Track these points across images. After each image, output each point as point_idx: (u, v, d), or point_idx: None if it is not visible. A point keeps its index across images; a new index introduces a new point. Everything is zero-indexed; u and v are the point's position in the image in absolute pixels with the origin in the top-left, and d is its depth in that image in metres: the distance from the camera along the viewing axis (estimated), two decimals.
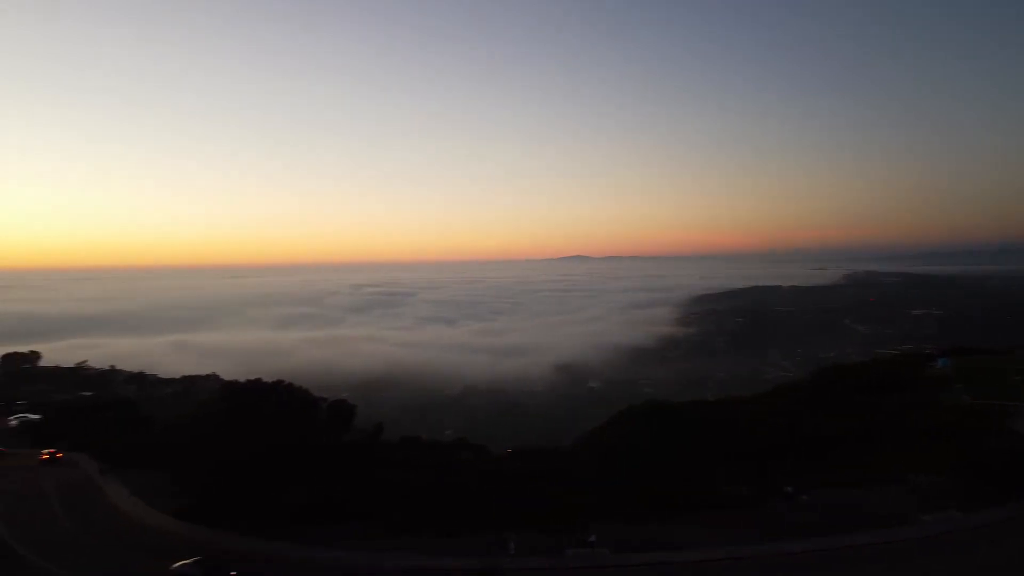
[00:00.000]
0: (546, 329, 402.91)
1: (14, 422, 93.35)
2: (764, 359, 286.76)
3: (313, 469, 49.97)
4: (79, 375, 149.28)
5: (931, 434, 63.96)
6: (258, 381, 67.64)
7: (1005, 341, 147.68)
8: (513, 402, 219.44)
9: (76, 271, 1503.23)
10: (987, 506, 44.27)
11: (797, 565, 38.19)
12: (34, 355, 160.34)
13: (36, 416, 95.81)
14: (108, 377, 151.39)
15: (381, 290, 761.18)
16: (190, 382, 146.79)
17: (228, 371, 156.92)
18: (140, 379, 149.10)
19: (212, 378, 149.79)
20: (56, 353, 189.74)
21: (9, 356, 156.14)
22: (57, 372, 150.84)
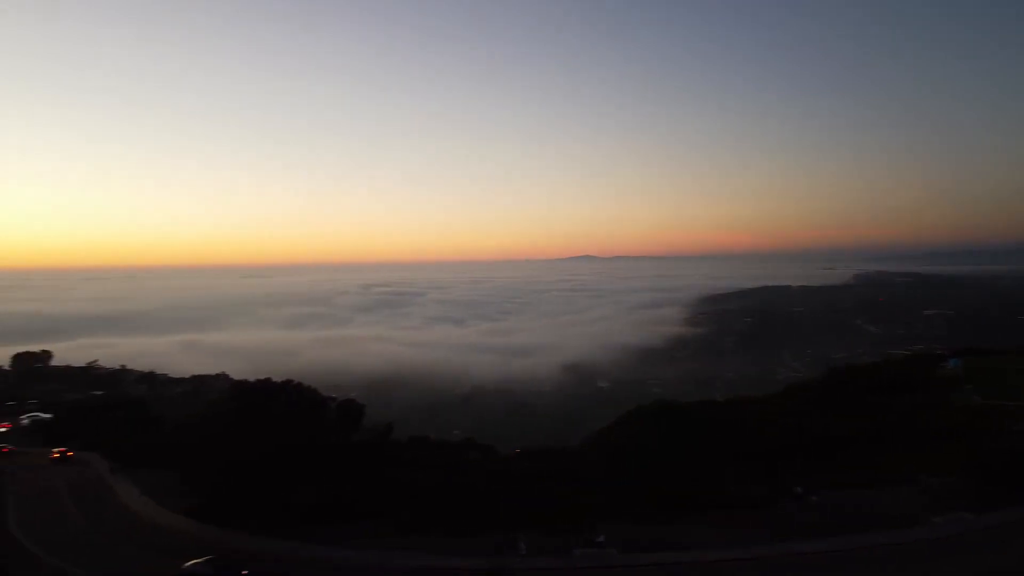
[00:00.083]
0: (554, 329, 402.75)
1: (26, 421, 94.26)
2: (773, 359, 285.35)
3: (322, 469, 50.06)
4: (90, 375, 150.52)
5: (942, 435, 63.55)
6: (267, 381, 67.67)
7: (1017, 342, 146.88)
8: (521, 402, 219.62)
9: (84, 271, 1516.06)
10: (998, 507, 43.83)
11: (807, 566, 37.96)
12: (45, 355, 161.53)
13: (47, 415, 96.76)
14: (119, 377, 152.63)
15: (390, 290, 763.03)
16: (200, 382, 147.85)
17: (238, 371, 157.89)
18: (150, 379, 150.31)
19: (222, 378, 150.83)
20: (67, 353, 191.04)
21: (20, 356, 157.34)
22: (68, 372, 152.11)
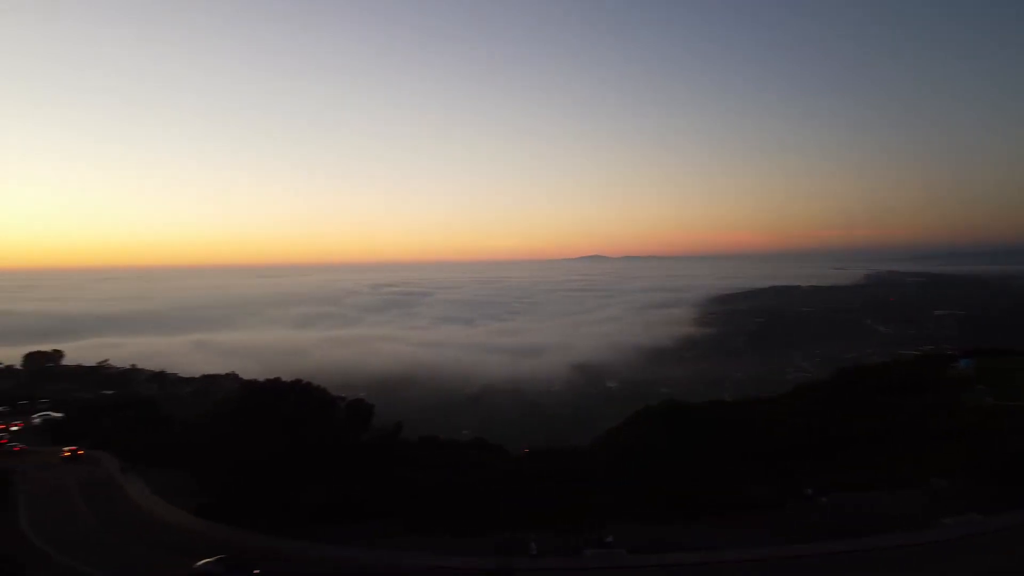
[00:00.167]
0: (563, 329, 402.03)
1: (37, 420, 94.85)
2: (783, 359, 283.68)
3: (332, 468, 50.11)
4: (101, 374, 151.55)
5: (953, 436, 62.99)
6: (277, 380, 67.63)
7: None
8: (530, 402, 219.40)
9: (94, 271, 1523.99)
10: (1008, 509, 43.58)
11: (816, 567, 37.79)
12: (57, 354, 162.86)
13: (58, 414, 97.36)
14: (129, 376, 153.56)
15: (399, 290, 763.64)
16: (210, 381, 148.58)
17: (247, 370, 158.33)
18: (161, 378, 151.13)
19: (231, 377, 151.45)
20: (78, 352, 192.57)
21: (32, 355, 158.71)
22: (79, 371, 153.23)
